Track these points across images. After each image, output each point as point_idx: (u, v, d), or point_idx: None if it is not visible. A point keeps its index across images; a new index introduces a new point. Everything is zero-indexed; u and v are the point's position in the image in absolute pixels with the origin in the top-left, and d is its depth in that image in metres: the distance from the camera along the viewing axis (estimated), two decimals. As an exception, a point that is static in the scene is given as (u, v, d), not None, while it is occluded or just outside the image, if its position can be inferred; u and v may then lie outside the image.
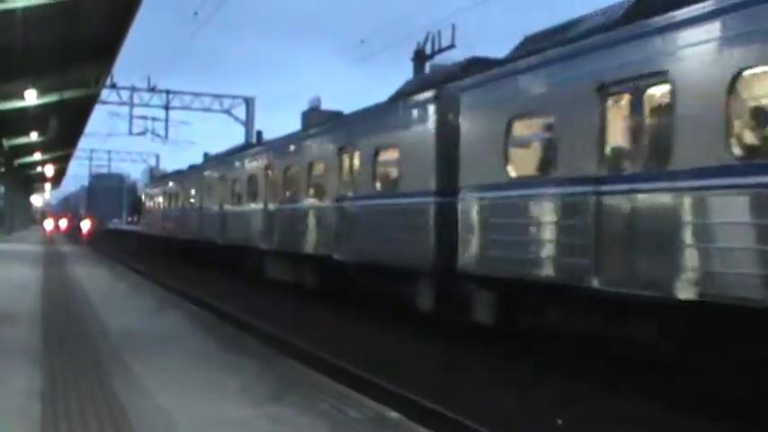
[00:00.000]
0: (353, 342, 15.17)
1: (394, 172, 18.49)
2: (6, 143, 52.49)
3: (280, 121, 52.08)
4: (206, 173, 37.29)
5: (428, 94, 16.65)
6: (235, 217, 30.87)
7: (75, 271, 27.33)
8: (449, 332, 15.61)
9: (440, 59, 32.93)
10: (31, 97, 36.49)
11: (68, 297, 18.40)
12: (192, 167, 44.10)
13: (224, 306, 19.63)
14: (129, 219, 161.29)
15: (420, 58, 33.91)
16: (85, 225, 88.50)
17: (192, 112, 63.37)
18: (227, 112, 61.96)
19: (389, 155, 18.67)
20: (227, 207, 32.12)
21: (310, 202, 22.95)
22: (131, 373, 9.46)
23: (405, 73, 39.55)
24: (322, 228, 21.76)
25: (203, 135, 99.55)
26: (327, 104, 32.24)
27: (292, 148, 25.49)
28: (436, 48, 33.59)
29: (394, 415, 8.26)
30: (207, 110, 62.38)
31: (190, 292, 22.91)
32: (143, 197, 59.41)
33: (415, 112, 17.08)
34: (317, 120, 27.39)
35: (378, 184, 19.00)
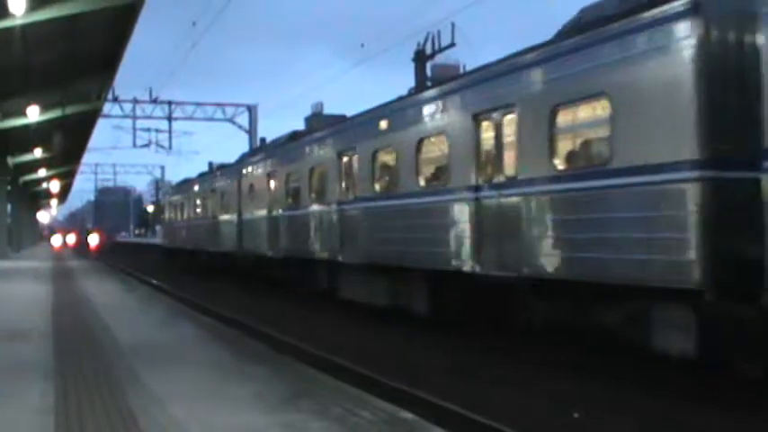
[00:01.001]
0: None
1: (598, 138, 12.59)
2: (11, 161, 52.63)
3: (282, 128, 52.17)
4: (246, 170, 32.14)
5: (676, 4, 10.74)
6: (292, 223, 25.68)
7: (84, 285, 27.33)
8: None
9: (441, 59, 32.98)
10: (33, 114, 36.62)
11: (79, 311, 18.38)
12: (223, 167, 39.41)
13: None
14: (137, 231, 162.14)
15: (421, 58, 33.93)
16: (93, 239, 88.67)
17: (195, 122, 63.64)
18: (231, 120, 62.12)
19: (588, 111, 12.79)
20: (280, 211, 26.93)
21: (440, 191, 16.56)
22: (143, 384, 9.43)
23: (406, 74, 39.69)
24: (456, 229, 15.65)
25: (207, 145, 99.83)
26: (329, 109, 32.28)
27: (394, 118, 18.74)
28: (436, 47, 33.60)
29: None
30: (210, 119, 62.59)
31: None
32: (167, 206, 54.38)
33: (643, 39, 11.22)
34: (320, 125, 27.30)
35: (564, 160, 13.09)
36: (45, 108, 37.21)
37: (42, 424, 7.58)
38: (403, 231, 17.91)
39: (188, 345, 13.27)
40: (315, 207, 23.43)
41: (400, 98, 19.60)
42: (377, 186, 19.79)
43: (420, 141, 17.31)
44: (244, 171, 32.33)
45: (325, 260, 22.67)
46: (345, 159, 21.63)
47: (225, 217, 35.02)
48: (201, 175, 43.92)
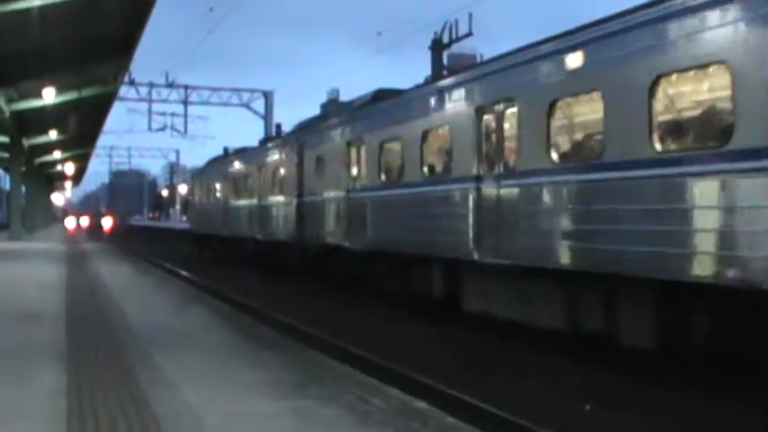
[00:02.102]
0: None
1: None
2: (26, 142, 52.73)
3: (298, 114, 52.23)
4: (311, 140, 26.17)
5: None
6: (385, 206, 20.06)
7: (98, 268, 27.36)
8: None
9: (457, 48, 32.84)
10: (49, 96, 36.64)
11: (92, 294, 18.39)
12: (273, 138, 35.00)
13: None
14: (151, 215, 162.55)
15: (437, 47, 33.78)
16: (107, 222, 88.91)
17: (210, 107, 63.80)
18: (246, 106, 62.19)
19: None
20: (365, 191, 21.32)
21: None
22: (157, 368, 9.40)
23: (422, 63, 39.63)
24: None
25: (222, 129, 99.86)
26: (346, 96, 32.19)
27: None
28: (453, 37, 33.45)
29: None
30: (226, 104, 62.70)
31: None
32: (196, 187, 47.62)
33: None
34: (336, 111, 27.30)
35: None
36: (61, 90, 37.21)
37: (55, 406, 7.55)
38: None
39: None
40: (430, 185, 17.75)
41: None
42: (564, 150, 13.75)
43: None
44: (307, 141, 26.33)
45: (441, 258, 17.22)
46: (492, 117, 15.46)
47: (278, 199, 29.44)
48: (241, 151, 38.77)
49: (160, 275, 27.30)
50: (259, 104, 62.27)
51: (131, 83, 57.07)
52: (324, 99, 34.95)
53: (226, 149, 44.50)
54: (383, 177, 20.34)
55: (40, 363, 9.75)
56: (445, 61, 32.64)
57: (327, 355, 11.73)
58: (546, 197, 13.68)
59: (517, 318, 14.65)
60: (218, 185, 40.62)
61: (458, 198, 16.25)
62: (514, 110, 14.53)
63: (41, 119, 44.40)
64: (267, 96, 62.11)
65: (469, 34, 32.60)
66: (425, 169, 18.20)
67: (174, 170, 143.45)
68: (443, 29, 33.35)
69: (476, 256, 15.36)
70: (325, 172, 24.28)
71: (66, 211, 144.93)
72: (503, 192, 14.85)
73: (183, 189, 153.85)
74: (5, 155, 53.72)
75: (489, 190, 15.26)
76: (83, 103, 40.54)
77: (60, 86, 36.66)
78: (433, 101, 17.79)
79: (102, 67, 35.65)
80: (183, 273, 30.11)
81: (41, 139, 53.44)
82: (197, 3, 48.35)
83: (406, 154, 19.01)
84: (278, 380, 8.95)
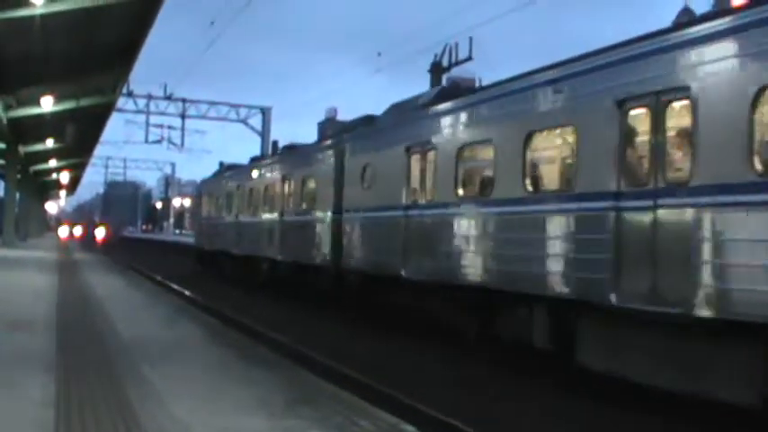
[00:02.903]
0: None
1: None
2: (22, 150, 52.68)
3: (295, 132, 52.19)
4: (358, 146, 22.17)
5: None
6: (454, 230, 16.51)
7: (90, 279, 27.28)
8: None
9: (457, 72, 32.91)
10: (47, 104, 36.65)
11: (83, 305, 18.33)
12: (309, 146, 29.39)
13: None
14: (144, 227, 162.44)
15: (437, 70, 33.87)
16: (100, 233, 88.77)
17: (208, 122, 63.82)
18: (244, 121, 62.26)
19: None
20: (429, 209, 17.74)
21: None
22: (146, 381, 9.35)
23: (421, 85, 39.72)
24: None
25: (219, 144, 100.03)
26: (344, 115, 32.23)
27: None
28: (453, 60, 33.54)
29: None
30: (223, 119, 62.80)
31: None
32: (205, 199, 42.95)
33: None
34: (334, 130, 27.36)
35: None
36: (59, 99, 37.22)
37: (43, 417, 7.50)
38: None
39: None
40: (541, 203, 13.95)
41: None
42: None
43: None
44: (350, 147, 22.54)
45: (550, 296, 13.36)
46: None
47: (307, 215, 25.45)
48: (259, 159, 36.01)
49: (156, 291, 25.76)
50: (256, 120, 62.37)
51: (130, 94, 57.15)
52: (322, 117, 34.96)
53: (221, 164, 44.36)
54: (460, 191, 16.51)
55: (29, 372, 9.69)
56: (444, 84, 32.72)
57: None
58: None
59: (676, 387, 10.98)
60: (230, 197, 36.33)
61: (593, 221, 12.54)
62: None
63: (39, 127, 44.38)
64: (265, 113, 62.21)
65: (469, 58, 32.70)
66: (528, 182, 14.24)
67: (169, 183, 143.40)
68: (443, 52, 33.47)
69: (613, 300, 11.73)
70: (375, 184, 20.40)
71: (59, 220, 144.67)
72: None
73: (177, 202, 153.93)
74: (1, 161, 53.65)
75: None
76: (81, 112, 40.54)
77: (59, 95, 36.67)
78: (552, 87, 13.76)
79: (101, 78, 35.69)
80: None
81: (38, 147, 53.39)
82: (198, 16, 48.53)
83: (500, 163, 15.01)
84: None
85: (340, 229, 22.27)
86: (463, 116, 16.77)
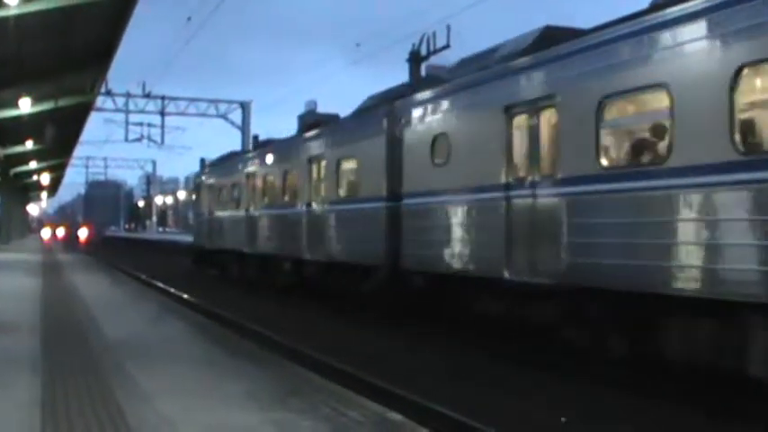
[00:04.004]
0: None
1: None
2: (2, 152, 52.38)
3: (275, 125, 52.22)
4: (419, 109, 17.77)
5: None
6: (592, 215, 12.47)
7: (74, 280, 27.20)
8: None
9: (435, 60, 32.93)
10: (25, 105, 36.43)
11: (68, 306, 18.29)
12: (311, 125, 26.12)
13: None
14: (127, 226, 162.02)
15: (416, 59, 33.88)
16: (83, 233, 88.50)
17: (187, 118, 63.50)
18: (224, 116, 62.03)
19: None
20: (544, 188, 13.59)
21: None
22: (133, 381, 9.35)
23: (401, 75, 39.76)
24: None
25: (199, 140, 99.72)
26: (323, 107, 32.21)
27: None
28: (431, 49, 33.57)
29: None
30: (203, 115, 62.49)
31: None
32: (203, 191, 37.94)
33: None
34: (314, 122, 26.93)
35: None
36: (37, 100, 37.01)
37: (29, 417, 7.50)
38: None
39: None
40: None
41: None
42: None
43: None
44: (409, 115, 18.14)
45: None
46: None
47: (346, 204, 21.34)
48: (271, 142, 31.26)
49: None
50: (236, 115, 62.17)
51: (108, 93, 56.79)
52: (302, 110, 34.92)
53: (203, 160, 44.05)
54: (604, 162, 12.27)
55: (15, 373, 9.68)
56: (423, 73, 32.75)
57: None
58: None
59: None
60: (237, 188, 31.81)
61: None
62: None
63: (18, 128, 44.12)
64: (244, 107, 62.00)
65: (447, 46, 32.72)
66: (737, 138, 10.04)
67: (150, 181, 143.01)
68: (421, 41, 33.46)
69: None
70: (454, 159, 16.13)
71: (41, 222, 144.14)
72: None
73: (159, 200, 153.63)
74: (-20, 165, 53.46)
75: None
76: (59, 113, 40.32)
77: (37, 96, 36.46)
78: None
79: (79, 77, 35.50)
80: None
81: (17, 149, 53.10)
82: (175, 13, 48.43)
83: (683, 115, 10.82)
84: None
85: (397, 219, 18.14)
86: (621, 51, 11.96)
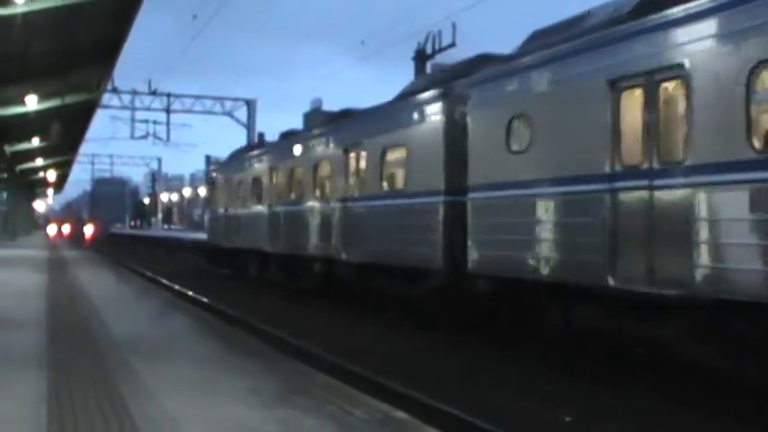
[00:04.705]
0: None
1: None
2: (8, 149, 52.53)
3: (280, 123, 52.10)
4: (493, 87, 15.16)
5: None
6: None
7: (79, 276, 27.26)
8: None
9: (441, 58, 32.97)
10: (32, 102, 36.54)
11: (73, 302, 18.33)
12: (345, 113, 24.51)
13: None
14: (132, 223, 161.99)
15: (421, 57, 33.95)
16: (88, 230, 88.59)
17: (193, 115, 63.60)
18: (229, 114, 62.09)
19: None
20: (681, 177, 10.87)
21: None
22: (138, 378, 9.40)
23: (406, 72, 39.69)
24: None
25: (205, 138, 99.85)
26: (329, 105, 32.26)
27: None
28: (437, 47, 33.61)
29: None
30: (208, 112, 62.58)
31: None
32: (220, 185, 35.39)
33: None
34: (320, 120, 26.75)
35: None
36: (44, 97, 37.10)
37: (35, 414, 7.54)
38: None
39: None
40: None
41: None
42: None
43: None
44: (479, 94, 15.60)
45: None
46: None
47: (392, 199, 19.11)
48: (291, 134, 29.00)
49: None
50: (242, 113, 62.22)
51: (114, 90, 56.90)
52: (307, 107, 34.98)
53: (208, 158, 43.95)
54: (757, 144, 9.95)
55: (21, 370, 9.72)
56: (428, 71, 32.79)
57: None
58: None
59: None
60: (259, 183, 29.57)
61: None
62: None
63: (24, 126, 44.24)
64: (250, 105, 62.05)
65: (452, 45, 32.77)
66: None
67: (155, 178, 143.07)
68: (426, 39, 33.53)
69: None
70: (538, 144, 13.69)
71: (47, 218, 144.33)
72: None
73: (164, 197, 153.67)
74: (-13, 162, 53.60)
75: None
76: (65, 110, 40.42)
77: (43, 93, 36.55)
78: None
79: (85, 75, 35.60)
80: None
81: (24, 146, 53.25)
82: (181, 10, 48.41)
83: None
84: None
85: (458, 215, 15.80)
86: None
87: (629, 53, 11.74)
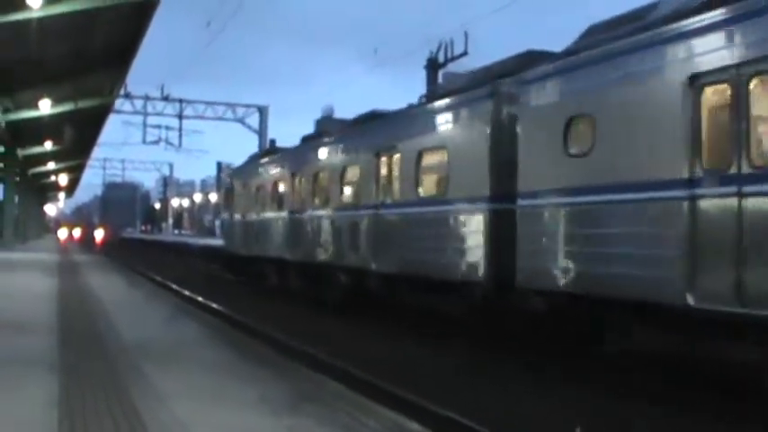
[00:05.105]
0: None
1: None
2: (21, 152, 52.72)
3: (292, 130, 52.11)
4: (553, 83, 13.76)
5: None
6: None
7: (90, 281, 27.33)
8: None
9: (453, 67, 33.01)
10: (45, 107, 36.73)
11: (84, 307, 18.38)
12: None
13: None
14: (143, 228, 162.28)
15: (433, 66, 34.00)
16: (99, 234, 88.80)
17: (205, 121, 63.80)
18: (241, 121, 62.27)
19: None
20: None
21: None
22: (148, 383, 9.43)
23: (418, 82, 39.80)
24: None
25: (216, 144, 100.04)
26: (340, 113, 32.26)
27: None
28: (449, 55, 33.66)
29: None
30: (220, 119, 62.79)
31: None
32: (238, 189, 33.63)
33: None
34: (331, 127, 26.50)
35: None
36: (57, 101, 37.28)
37: (46, 418, 7.57)
38: None
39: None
40: None
41: None
42: None
43: None
44: (533, 93, 14.18)
45: None
46: None
47: (445, 206, 16.85)
48: (313, 138, 27.12)
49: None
50: (254, 120, 62.38)
51: (127, 95, 57.16)
52: (318, 115, 35.03)
53: (219, 164, 44.00)
54: None
55: (32, 373, 9.75)
56: (440, 80, 32.83)
57: None
58: None
59: None
60: (279, 188, 28.26)
61: None
62: None
63: (37, 129, 44.44)
64: (262, 112, 62.22)
65: (464, 53, 32.81)
66: None
67: (167, 183, 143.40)
68: (439, 48, 33.59)
69: None
70: (604, 145, 12.27)
71: (58, 222, 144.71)
72: None
73: (175, 203, 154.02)
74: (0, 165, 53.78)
75: None
76: (78, 114, 40.60)
77: (56, 98, 36.74)
78: None
79: (98, 80, 35.79)
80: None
81: (36, 150, 53.45)
82: (195, 16, 48.59)
83: None
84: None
85: (504, 224, 14.47)
86: None
87: (714, 45, 10.48)
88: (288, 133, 50.74)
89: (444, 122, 17.13)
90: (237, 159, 39.31)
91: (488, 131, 15.32)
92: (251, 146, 59.11)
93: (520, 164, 14.18)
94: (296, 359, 12.65)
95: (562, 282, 12.81)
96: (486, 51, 32.34)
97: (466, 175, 16.02)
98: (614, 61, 12.21)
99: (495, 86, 15.46)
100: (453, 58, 33.33)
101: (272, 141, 46.03)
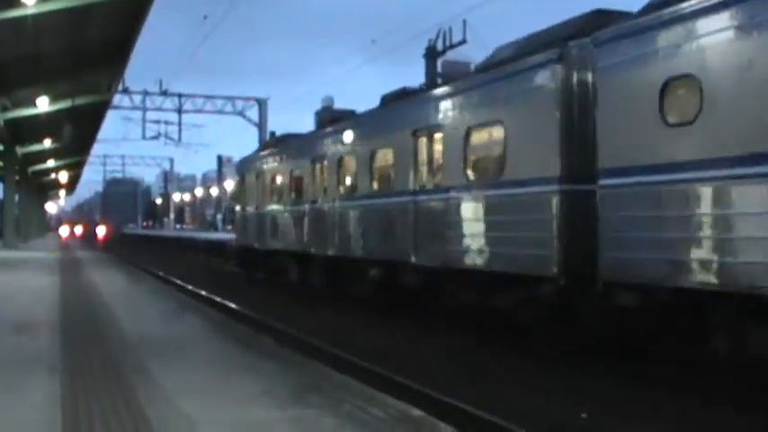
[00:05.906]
0: None
1: None
2: (20, 150, 52.64)
3: (292, 122, 52.02)
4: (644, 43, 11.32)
5: None
6: None
7: (92, 277, 27.27)
8: None
9: (452, 55, 32.87)
10: (43, 104, 36.64)
11: (87, 303, 18.32)
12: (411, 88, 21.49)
13: None
14: (144, 224, 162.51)
15: (432, 54, 33.83)
16: (101, 231, 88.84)
17: (204, 115, 63.67)
18: (241, 113, 62.13)
19: None
20: None
21: None
22: (152, 378, 9.35)
23: (417, 71, 39.62)
24: None
25: (216, 138, 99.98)
26: (340, 104, 32.16)
27: None
28: (447, 44, 33.51)
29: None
30: (220, 112, 62.63)
31: None
32: (254, 180, 30.86)
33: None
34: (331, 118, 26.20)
35: None
36: (55, 98, 37.19)
37: (49, 416, 7.50)
38: None
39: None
40: None
41: None
42: None
43: None
44: (617, 56, 11.83)
45: None
46: None
47: (501, 189, 14.86)
48: (338, 120, 24.45)
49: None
50: (253, 112, 62.26)
51: (125, 91, 57.04)
52: (318, 107, 34.90)
53: (219, 157, 43.93)
54: None
55: (35, 372, 9.69)
56: (439, 69, 32.70)
57: None
58: None
59: None
60: (299, 177, 26.16)
61: None
62: None
63: (35, 127, 44.35)
64: (261, 104, 62.08)
65: (463, 42, 32.66)
66: None
67: (167, 179, 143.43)
68: (437, 36, 33.43)
69: None
70: (709, 116, 10.21)
71: (60, 220, 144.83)
72: None
73: (177, 197, 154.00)
74: (-1, 163, 53.78)
75: None
76: (77, 111, 40.50)
77: (54, 95, 36.64)
78: None
79: (96, 76, 35.67)
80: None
81: (35, 148, 53.37)
82: (192, 11, 48.48)
83: None
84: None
85: (580, 207, 12.68)
86: None
87: None
88: (288, 126, 50.82)
89: (500, 94, 14.92)
90: (238, 152, 39.36)
91: (558, 101, 13.26)
92: (251, 138, 59.08)
93: (600, 138, 12.07)
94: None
95: (666, 274, 10.71)
96: (486, 39, 32.15)
97: (529, 153, 13.96)
98: (732, 6, 9.92)
99: (565, 49, 13.31)
100: (452, 46, 33.15)
101: (272, 133, 45.91)
